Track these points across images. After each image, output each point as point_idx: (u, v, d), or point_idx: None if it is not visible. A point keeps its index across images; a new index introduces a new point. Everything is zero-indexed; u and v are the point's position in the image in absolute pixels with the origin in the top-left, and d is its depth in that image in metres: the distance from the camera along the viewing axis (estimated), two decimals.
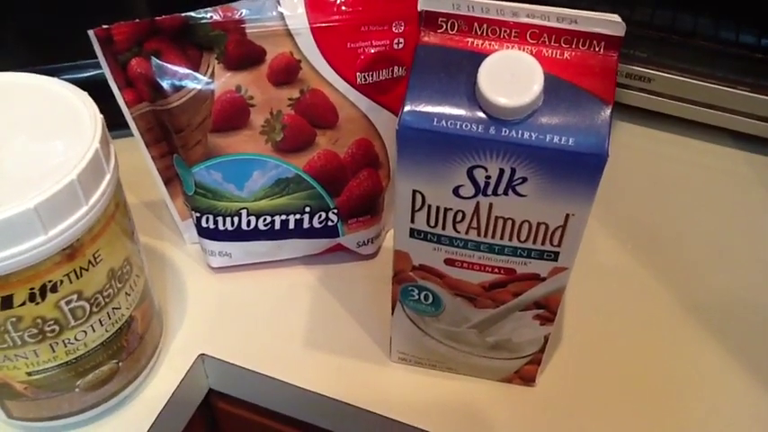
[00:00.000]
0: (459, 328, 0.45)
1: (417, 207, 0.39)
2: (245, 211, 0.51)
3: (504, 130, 0.35)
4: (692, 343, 0.51)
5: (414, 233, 0.40)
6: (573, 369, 0.49)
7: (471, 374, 0.48)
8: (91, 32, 0.46)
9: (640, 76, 0.65)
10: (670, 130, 0.68)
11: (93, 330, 0.41)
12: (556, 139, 0.35)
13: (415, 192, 0.38)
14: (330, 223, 0.52)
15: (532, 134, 0.35)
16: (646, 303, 0.53)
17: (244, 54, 0.47)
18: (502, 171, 0.36)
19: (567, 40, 0.36)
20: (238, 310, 0.52)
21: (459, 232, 0.39)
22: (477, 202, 0.38)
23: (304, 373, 0.48)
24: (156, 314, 0.47)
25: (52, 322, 0.39)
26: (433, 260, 0.41)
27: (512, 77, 0.35)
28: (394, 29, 0.48)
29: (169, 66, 0.47)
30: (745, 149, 0.66)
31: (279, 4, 0.47)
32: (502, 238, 0.39)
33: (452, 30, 0.37)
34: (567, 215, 0.37)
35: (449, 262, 0.41)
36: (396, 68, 0.49)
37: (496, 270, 0.41)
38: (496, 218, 0.38)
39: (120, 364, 0.44)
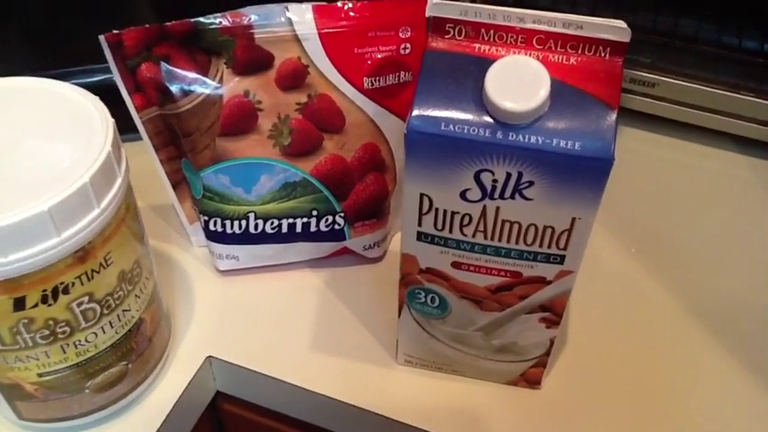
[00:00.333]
0: (465, 331, 0.45)
1: (425, 210, 0.39)
2: (253, 214, 0.51)
3: (510, 134, 0.36)
4: (696, 346, 0.51)
5: (421, 236, 0.41)
6: (578, 372, 0.49)
7: (477, 377, 0.49)
8: (102, 37, 0.46)
9: (644, 81, 0.65)
10: (673, 135, 0.68)
11: (104, 332, 0.41)
12: (562, 144, 0.35)
13: (422, 195, 0.39)
14: (337, 227, 0.53)
15: (539, 138, 0.35)
16: (650, 306, 0.53)
17: (252, 59, 0.48)
18: (509, 175, 0.37)
19: (572, 45, 0.37)
20: (245, 312, 0.53)
21: (465, 235, 0.40)
22: (484, 206, 0.38)
23: (311, 376, 0.49)
24: (164, 316, 0.48)
25: (64, 324, 0.39)
26: (439, 263, 0.42)
27: (519, 82, 0.36)
28: (400, 34, 0.48)
29: (178, 70, 0.48)
30: (747, 154, 0.66)
31: (287, 10, 0.47)
32: (508, 241, 0.39)
33: (460, 35, 0.38)
34: (574, 219, 0.38)
35: (455, 265, 0.42)
36: (402, 73, 0.50)
37: (503, 273, 0.41)
38: (503, 221, 0.39)
39: (130, 365, 0.44)
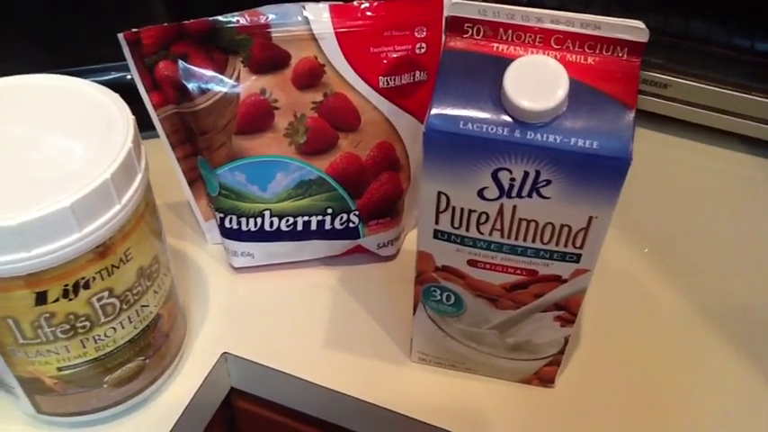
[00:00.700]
0: (479, 329, 0.45)
1: (442, 209, 0.40)
2: (268, 212, 0.52)
3: (529, 133, 0.36)
4: (708, 346, 0.51)
5: (437, 234, 0.41)
6: (591, 371, 0.49)
7: (490, 375, 0.49)
8: (120, 36, 0.47)
9: (655, 82, 0.65)
10: (683, 135, 0.68)
11: (123, 327, 0.42)
12: (580, 143, 0.36)
13: (440, 193, 0.39)
14: (351, 225, 0.53)
15: (557, 137, 0.36)
16: (662, 306, 0.54)
17: (269, 58, 0.48)
18: (526, 173, 0.37)
19: (590, 45, 0.37)
20: (260, 309, 0.53)
21: (482, 234, 0.40)
22: (501, 204, 0.38)
23: (324, 372, 0.49)
24: (180, 313, 0.48)
25: (84, 318, 0.39)
26: (455, 261, 0.42)
27: (537, 82, 0.36)
28: (416, 34, 0.49)
29: (195, 69, 0.48)
30: (757, 154, 0.66)
31: (304, 9, 0.47)
32: (525, 239, 0.40)
33: (478, 35, 0.38)
34: (591, 218, 0.38)
35: (471, 263, 0.42)
36: (417, 73, 0.50)
37: (519, 271, 0.41)
38: (520, 220, 0.39)
39: (147, 361, 0.45)
